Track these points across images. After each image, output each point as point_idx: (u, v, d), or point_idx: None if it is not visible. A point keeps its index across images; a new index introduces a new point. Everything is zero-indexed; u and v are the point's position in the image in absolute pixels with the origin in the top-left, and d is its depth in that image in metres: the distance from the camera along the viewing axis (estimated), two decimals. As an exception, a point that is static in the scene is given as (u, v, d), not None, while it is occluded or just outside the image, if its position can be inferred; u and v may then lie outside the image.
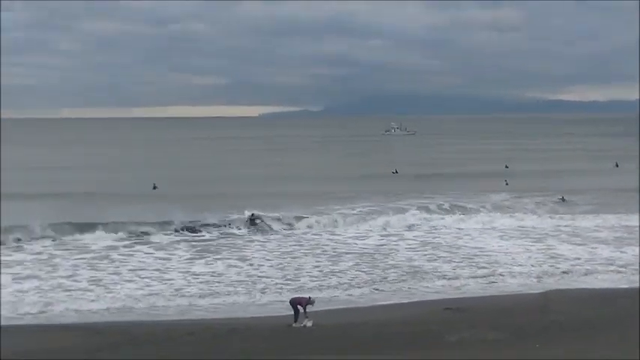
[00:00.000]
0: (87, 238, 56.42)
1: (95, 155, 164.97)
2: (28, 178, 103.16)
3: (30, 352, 29.36)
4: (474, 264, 49.39)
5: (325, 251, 54.18)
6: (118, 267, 48.36)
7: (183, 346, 29.72)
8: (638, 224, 61.43)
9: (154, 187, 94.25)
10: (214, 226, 62.83)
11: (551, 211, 73.64)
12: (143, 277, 45.46)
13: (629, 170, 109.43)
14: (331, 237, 59.94)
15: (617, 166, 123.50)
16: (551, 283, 44.12)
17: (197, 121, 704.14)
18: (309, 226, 63.37)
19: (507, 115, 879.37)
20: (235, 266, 48.95)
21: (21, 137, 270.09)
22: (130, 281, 44.45)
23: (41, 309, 38.30)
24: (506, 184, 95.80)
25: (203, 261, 50.64)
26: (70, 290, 42.01)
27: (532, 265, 48.84)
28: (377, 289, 42.93)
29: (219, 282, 44.43)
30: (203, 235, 59.58)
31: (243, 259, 51.17)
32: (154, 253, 52.92)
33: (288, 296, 39.64)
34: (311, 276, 45.95)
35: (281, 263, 49.95)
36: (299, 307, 34.01)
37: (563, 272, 46.95)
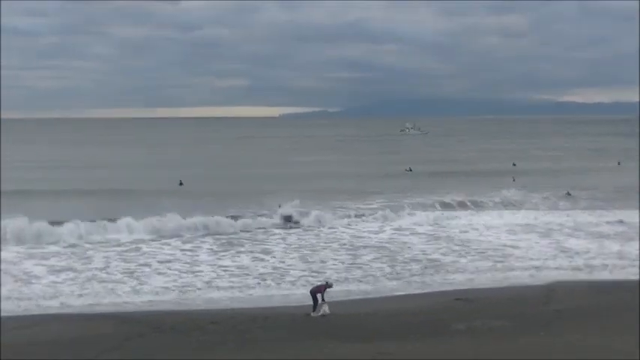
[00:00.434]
0: (117, 232, 56.37)
1: (123, 154, 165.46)
2: (61, 176, 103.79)
3: (58, 340, 29.49)
4: (487, 257, 48.99)
5: (343, 245, 54.09)
6: (147, 259, 48.41)
7: (207, 335, 29.71)
8: (638, 220, 61.15)
9: (180, 184, 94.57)
10: (235, 218, 62.91)
11: (557, 206, 73.44)
12: (172, 269, 45.54)
13: (631, 168, 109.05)
14: (346, 231, 59.80)
15: (619, 164, 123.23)
16: (566, 277, 43.61)
17: (221, 121, 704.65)
18: (326, 221, 63.04)
19: (515, 117, 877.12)
20: (260, 259, 48.89)
21: (54, 136, 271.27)
22: (160, 273, 44.54)
23: (73, 299, 38.55)
24: (514, 180, 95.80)
25: (228, 254, 50.60)
26: (103, 282, 42.13)
27: (545, 259, 48.28)
28: (406, 282, 42.62)
29: (245, 274, 44.39)
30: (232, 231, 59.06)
31: (266, 252, 51.15)
32: (180, 247, 53.00)
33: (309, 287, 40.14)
34: (334, 269, 45.72)
35: (304, 256, 49.84)
36: (318, 295, 33.94)
37: (579, 266, 46.37)
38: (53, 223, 56.45)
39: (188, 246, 53.31)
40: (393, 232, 59.50)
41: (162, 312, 35.46)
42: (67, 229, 55.47)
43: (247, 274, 44.41)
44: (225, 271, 45.39)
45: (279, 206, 65.44)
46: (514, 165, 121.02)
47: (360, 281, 42.80)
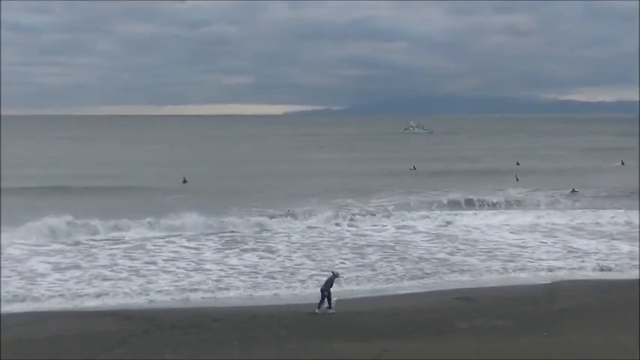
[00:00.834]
0: (121, 230, 56.09)
1: (127, 151, 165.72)
2: (64, 173, 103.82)
3: (61, 337, 29.51)
4: (496, 257, 48.61)
5: (346, 243, 53.79)
6: (152, 257, 48.32)
7: (210, 332, 29.79)
8: (638, 220, 60.92)
9: (184, 181, 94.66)
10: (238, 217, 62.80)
11: (562, 205, 73.01)
12: (178, 267, 45.44)
13: (635, 168, 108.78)
14: (349, 229, 59.55)
15: (622, 163, 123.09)
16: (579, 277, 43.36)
17: (226, 119, 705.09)
18: (329, 219, 62.69)
19: (520, 115, 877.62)
20: (267, 257, 48.72)
21: (58, 133, 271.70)
22: (165, 271, 44.43)
23: (77, 296, 38.45)
24: (517, 179, 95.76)
25: (233, 252, 50.44)
26: (108, 279, 42.05)
27: (556, 259, 47.93)
28: (420, 282, 42.30)
29: (254, 272, 44.29)
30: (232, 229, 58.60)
31: (271, 251, 50.91)
32: (185, 244, 52.87)
33: (312, 286, 40.12)
34: (344, 268, 45.22)
35: (308, 254, 49.62)
36: (330, 289, 34.07)
37: (593, 266, 45.91)
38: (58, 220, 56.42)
39: (193, 244, 53.07)
40: (397, 230, 59.26)
41: (166, 309, 35.48)
42: (73, 227, 55.42)
43: (256, 273, 44.23)
44: (232, 269, 45.21)
45: (288, 211, 65.17)
46: (518, 164, 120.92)
47: (371, 281, 42.46)
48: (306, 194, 78.54)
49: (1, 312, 35.00)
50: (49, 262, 46.31)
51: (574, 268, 45.39)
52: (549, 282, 41.26)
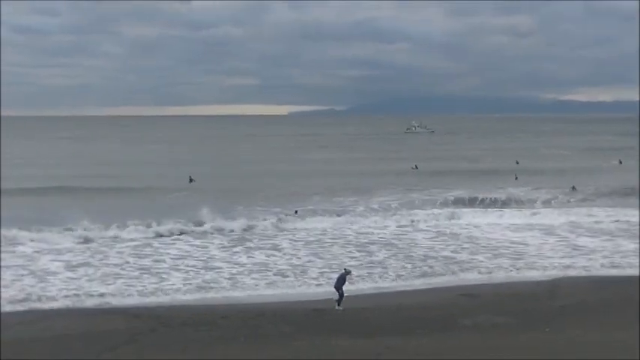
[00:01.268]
0: (130, 229, 55.83)
1: (133, 151, 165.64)
2: (68, 173, 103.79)
3: (69, 334, 29.57)
4: (502, 255, 48.42)
5: (350, 241, 53.79)
6: (161, 255, 48.33)
7: (218, 330, 29.78)
8: (639, 219, 60.76)
9: (191, 180, 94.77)
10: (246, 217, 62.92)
11: (562, 203, 73.10)
12: (187, 266, 45.48)
13: (632, 167, 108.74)
14: (352, 227, 59.50)
15: (620, 163, 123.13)
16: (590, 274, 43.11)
17: (230, 119, 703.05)
18: (331, 218, 62.85)
19: (520, 115, 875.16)
20: (272, 255, 48.71)
21: (63, 134, 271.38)
22: (176, 269, 44.52)
23: (86, 294, 38.53)
24: (516, 178, 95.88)
25: (240, 250, 50.45)
26: (118, 278, 42.10)
27: (562, 257, 47.65)
28: (432, 280, 42.18)
29: (262, 270, 44.38)
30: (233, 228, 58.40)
31: (276, 248, 50.96)
32: (192, 243, 52.95)
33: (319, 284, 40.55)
34: (354, 266, 44.57)
35: (315, 252, 49.59)
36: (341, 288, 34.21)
37: (603, 264, 45.49)
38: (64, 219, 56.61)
39: (199, 242, 53.19)
40: (399, 228, 59.21)
41: (174, 307, 35.53)
42: (83, 226, 55.40)
43: (267, 270, 44.36)
44: (242, 267, 45.28)
45: (296, 212, 65.32)
46: (517, 163, 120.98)
47: (383, 278, 42.50)
48: (309, 193, 78.82)
49: (10, 310, 35.09)
50: (60, 261, 46.45)
51: (585, 267, 45.03)
52: (550, 279, 41.27)
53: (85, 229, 54.66)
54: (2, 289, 38.85)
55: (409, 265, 45.39)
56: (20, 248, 49.71)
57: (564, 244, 52.52)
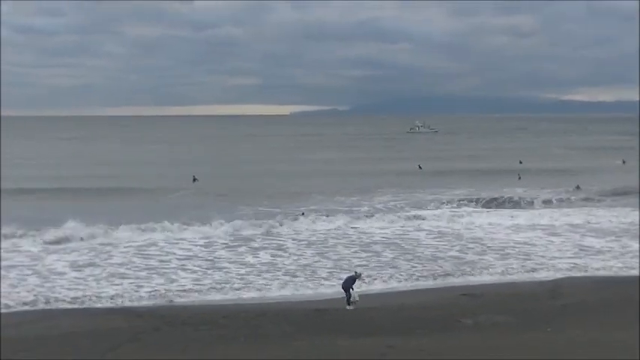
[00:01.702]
0: (133, 229, 55.53)
1: (136, 151, 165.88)
2: (72, 174, 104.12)
3: (73, 333, 29.55)
4: (509, 256, 48.09)
5: (353, 241, 53.58)
6: (167, 256, 48.14)
7: (219, 329, 29.70)
8: (638, 219, 60.36)
9: (194, 180, 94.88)
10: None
11: (564, 203, 73.09)
12: (194, 265, 45.39)
13: (635, 168, 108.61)
14: (354, 227, 59.20)
15: (624, 162, 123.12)
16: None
17: (232, 119, 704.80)
18: (334, 218, 62.51)
19: (521, 115, 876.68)
20: (278, 255, 48.53)
21: (66, 134, 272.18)
22: (183, 269, 44.47)
23: (90, 294, 38.56)
24: (519, 178, 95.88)
25: (245, 250, 50.23)
26: (123, 278, 42.07)
27: (570, 258, 47.34)
28: (445, 280, 41.90)
29: (270, 270, 44.31)
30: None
31: (281, 248, 50.80)
32: (196, 243, 52.60)
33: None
34: (363, 266, 44.71)
35: (320, 252, 49.41)
36: (351, 289, 34.16)
37: (611, 265, 45.07)
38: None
39: (202, 241, 52.96)
40: (401, 228, 58.85)
41: (176, 307, 35.59)
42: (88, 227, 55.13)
43: (276, 270, 44.32)
44: (251, 267, 45.21)
45: (302, 213, 65.07)
46: (520, 163, 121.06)
47: (392, 278, 42.36)
48: (311, 193, 78.89)
49: (18, 310, 35.28)
50: (66, 261, 46.38)
51: (597, 268, 44.58)
52: (552, 278, 41.16)
53: (89, 230, 54.25)
54: (10, 289, 39.00)
55: (419, 266, 45.24)
56: (26, 248, 49.58)
57: (570, 244, 52.18)
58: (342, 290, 34.65)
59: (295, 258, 47.79)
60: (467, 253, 49.10)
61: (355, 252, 49.90)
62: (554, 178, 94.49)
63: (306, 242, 53.25)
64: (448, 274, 43.12)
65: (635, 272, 43.00)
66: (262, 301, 37.07)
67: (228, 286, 40.39)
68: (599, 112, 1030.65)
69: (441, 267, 44.86)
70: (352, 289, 34.22)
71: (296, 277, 42.62)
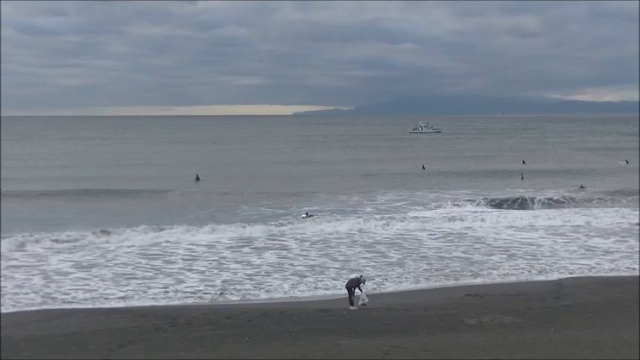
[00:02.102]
0: (136, 231, 55.33)
1: (140, 152, 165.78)
2: (76, 175, 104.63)
3: (77, 333, 29.66)
4: (516, 256, 48.13)
5: (355, 241, 53.83)
6: (172, 257, 48.40)
7: (222, 329, 29.74)
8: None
9: (197, 179, 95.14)
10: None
11: (567, 203, 73.09)
12: (201, 266, 45.65)
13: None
14: (356, 227, 59.34)
15: (627, 163, 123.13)
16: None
17: (236, 119, 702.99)
18: (338, 218, 63.04)
19: (526, 115, 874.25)
20: (283, 256, 48.67)
21: (73, 134, 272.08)
22: (190, 270, 44.78)
23: (93, 294, 38.98)
24: (522, 178, 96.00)
25: (250, 251, 50.40)
26: (130, 279, 42.40)
27: (579, 258, 47.29)
28: (458, 280, 42.02)
29: (277, 270, 44.58)
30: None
31: (285, 248, 51.13)
32: (200, 244, 52.74)
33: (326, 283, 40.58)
34: (372, 266, 45.42)
35: (326, 253, 49.56)
36: (354, 289, 34.25)
37: (619, 267, 44.87)
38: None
39: (205, 241, 53.27)
40: (404, 229, 58.90)
41: (179, 307, 35.75)
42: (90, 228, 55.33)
43: (282, 270, 44.62)
44: (258, 268, 45.44)
45: (307, 214, 65.19)
46: (524, 163, 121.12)
47: (399, 279, 42.42)
48: (314, 193, 79.07)
49: (24, 309, 35.75)
50: (71, 261, 46.79)
51: (611, 269, 44.46)
52: (556, 279, 41.26)
53: (93, 232, 54.26)
54: (16, 289, 39.58)
55: (423, 267, 45.31)
56: (32, 249, 49.83)
57: (576, 245, 52.22)
58: (346, 290, 34.78)
59: (301, 259, 47.94)
60: (473, 254, 49.16)
61: (359, 252, 50.04)
62: (557, 179, 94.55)
63: (309, 242, 53.43)
64: (454, 275, 43.16)
65: None
66: (265, 302, 37.34)
67: (241, 287, 40.58)
68: (605, 113, 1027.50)
69: (448, 267, 44.95)
70: (361, 290, 34.34)
71: (304, 277, 42.91)
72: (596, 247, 51.04)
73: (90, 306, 36.58)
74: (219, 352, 26.26)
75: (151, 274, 43.83)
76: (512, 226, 60.01)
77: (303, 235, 55.93)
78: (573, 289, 37.50)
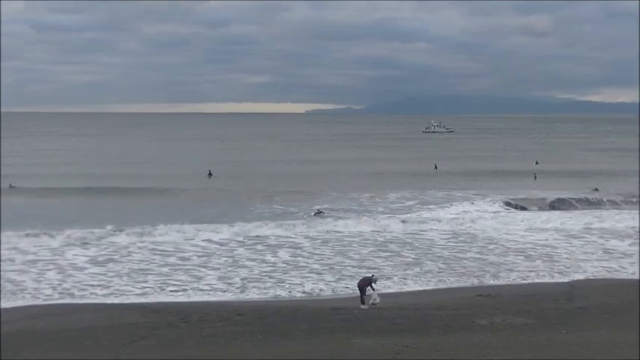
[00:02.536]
0: (151, 228, 55.27)
1: (150, 148, 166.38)
2: (87, 172, 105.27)
3: (90, 328, 29.88)
4: (532, 258, 47.89)
5: (367, 239, 53.86)
6: (186, 254, 48.61)
7: (234, 326, 29.73)
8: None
9: (210, 175, 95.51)
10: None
11: (581, 204, 72.75)
12: (218, 264, 45.86)
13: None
14: (368, 225, 59.29)
15: None
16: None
17: (247, 117, 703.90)
18: (349, 217, 63.16)
19: (538, 115, 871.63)
20: (297, 255, 48.83)
21: (82, 130, 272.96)
22: (206, 267, 45.02)
23: (109, 290, 39.39)
24: (535, 178, 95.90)
25: (264, 249, 50.49)
26: (144, 274, 42.80)
27: (598, 260, 47.01)
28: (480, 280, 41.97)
29: (293, 268, 44.77)
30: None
31: (297, 247, 51.27)
32: (214, 241, 52.93)
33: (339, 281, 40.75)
34: (383, 265, 45.48)
35: (340, 251, 49.79)
36: (366, 288, 34.22)
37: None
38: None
39: (217, 238, 53.53)
40: (415, 228, 58.75)
41: (191, 304, 35.80)
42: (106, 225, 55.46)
43: (296, 269, 44.74)
44: (274, 266, 45.64)
45: (319, 211, 65.66)
46: (536, 163, 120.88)
47: (410, 279, 42.44)
48: (325, 192, 79.20)
49: (37, 303, 36.24)
50: (86, 256, 47.27)
51: (633, 272, 43.87)
52: (569, 280, 41.06)
53: (105, 228, 54.41)
54: (32, 283, 40.15)
55: (435, 267, 45.30)
56: (46, 245, 50.06)
57: (592, 246, 51.88)
58: (358, 289, 34.76)
59: (315, 257, 48.07)
60: (487, 255, 49.05)
61: (372, 252, 50.02)
62: (570, 180, 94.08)
63: (320, 240, 53.56)
64: (471, 275, 43.14)
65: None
66: (277, 299, 37.55)
67: (259, 285, 40.80)
68: (618, 113, 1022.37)
69: (465, 267, 44.92)
70: (373, 289, 34.30)
71: (320, 274, 43.16)
72: (614, 250, 50.68)
73: (104, 301, 36.80)
74: (232, 350, 26.31)
75: (166, 270, 44.13)
76: (526, 227, 59.64)
77: (314, 233, 55.97)
78: (587, 291, 37.33)
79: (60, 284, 40.38)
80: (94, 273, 43.15)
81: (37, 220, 55.62)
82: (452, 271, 43.99)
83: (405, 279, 42.24)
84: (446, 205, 71.50)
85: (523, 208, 70.42)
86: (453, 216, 64.48)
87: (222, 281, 41.55)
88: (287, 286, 40.70)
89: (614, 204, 74.05)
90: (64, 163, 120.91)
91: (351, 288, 38.64)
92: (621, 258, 48.10)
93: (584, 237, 55.60)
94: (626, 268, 45.18)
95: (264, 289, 40.04)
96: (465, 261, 46.98)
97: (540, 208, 70.23)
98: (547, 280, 42.18)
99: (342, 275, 42.83)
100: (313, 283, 41.15)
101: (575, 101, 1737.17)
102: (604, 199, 75.85)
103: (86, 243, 50.93)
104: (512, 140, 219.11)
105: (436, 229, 58.28)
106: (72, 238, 51.62)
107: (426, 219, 62.59)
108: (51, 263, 45.31)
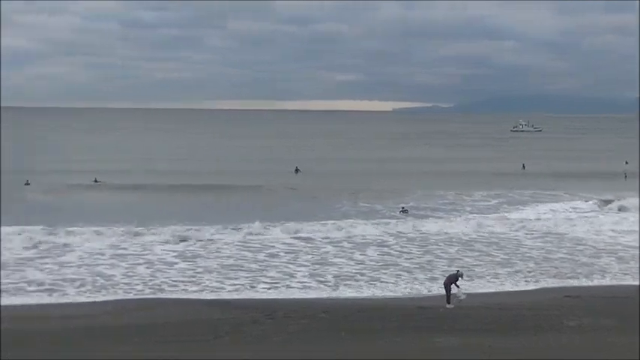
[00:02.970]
0: (238, 225, 55.37)
1: (242, 145, 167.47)
2: (181, 169, 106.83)
3: (177, 322, 30.58)
4: (622, 259, 47.09)
5: (452, 238, 53.74)
6: (274, 249, 49.10)
7: (317, 322, 29.96)
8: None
9: (297, 171, 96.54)
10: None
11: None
12: (306, 261, 46.16)
13: None
14: (446, 223, 59.15)
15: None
16: None
17: (335, 114, 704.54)
18: (429, 216, 63.07)
19: (626, 115, 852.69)
20: (385, 253, 48.78)
21: (168, 126, 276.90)
22: (293, 263, 45.47)
23: (192, 284, 39.99)
24: (625, 177, 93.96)
25: (352, 247, 50.51)
26: (234, 270, 43.38)
27: None
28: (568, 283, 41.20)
29: (380, 267, 44.74)
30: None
31: (385, 245, 51.30)
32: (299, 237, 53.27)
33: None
34: (474, 265, 45.37)
35: (428, 250, 49.72)
36: (452, 286, 34.12)
37: None
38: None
39: (304, 235, 53.95)
40: (503, 228, 57.96)
41: (276, 300, 36.06)
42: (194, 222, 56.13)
43: (386, 267, 44.84)
44: (363, 264, 45.65)
45: (404, 209, 65.84)
46: (626, 163, 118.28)
47: (497, 279, 42.22)
48: (410, 190, 79.07)
49: (131, 298, 37.07)
50: (174, 251, 48.08)
51: None
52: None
53: (197, 227, 54.46)
54: (121, 278, 40.93)
55: (533, 265, 45.02)
56: (136, 241, 50.86)
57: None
58: (444, 287, 34.61)
59: (408, 257, 47.83)
60: (578, 256, 48.22)
61: (459, 250, 49.83)
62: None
63: (405, 239, 53.42)
64: (563, 276, 42.67)
65: None
66: (362, 297, 37.67)
67: (355, 282, 40.93)
68: None
69: (556, 268, 44.35)
70: (457, 287, 34.12)
71: (411, 273, 43.09)
72: None
73: (188, 297, 37.35)
74: (317, 346, 26.43)
75: (256, 266, 44.55)
76: (615, 228, 58.29)
77: (400, 231, 55.89)
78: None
79: (150, 280, 41.00)
80: (182, 268, 43.88)
81: (132, 215, 56.88)
82: (543, 272, 43.41)
83: (497, 278, 42.06)
84: (533, 204, 70.52)
85: (612, 209, 68.84)
86: (540, 216, 63.54)
87: (313, 279, 41.73)
88: (379, 284, 40.62)
89: None
90: (155, 159, 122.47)
91: (436, 287, 38.66)
92: None
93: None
94: None
95: (358, 287, 40.07)
96: (555, 261, 46.29)
97: (630, 209, 68.56)
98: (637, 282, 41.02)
99: (434, 274, 42.51)
100: (407, 282, 41.08)
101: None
102: None
103: (180, 239, 51.63)
104: (600, 139, 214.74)
105: (523, 229, 57.53)
106: (164, 235, 52.28)
107: (513, 219, 61.76)
108: (140, 257, 46.37)
